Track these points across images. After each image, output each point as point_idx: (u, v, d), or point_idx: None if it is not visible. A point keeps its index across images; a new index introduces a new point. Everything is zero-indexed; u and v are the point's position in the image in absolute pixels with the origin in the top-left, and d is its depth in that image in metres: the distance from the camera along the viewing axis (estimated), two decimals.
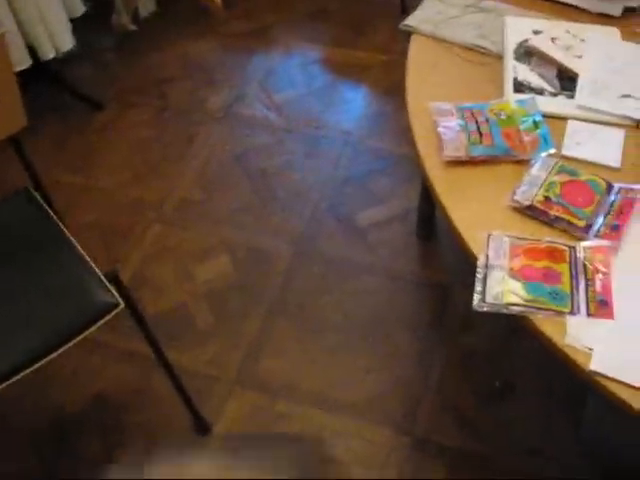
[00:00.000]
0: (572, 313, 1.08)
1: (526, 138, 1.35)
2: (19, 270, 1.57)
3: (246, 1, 3.19)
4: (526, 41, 1.57)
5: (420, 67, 1.57)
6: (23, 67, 2.39)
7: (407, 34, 1.68)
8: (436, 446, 1.77)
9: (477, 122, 1.37)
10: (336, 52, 2.92)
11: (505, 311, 1.09)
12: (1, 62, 1.49)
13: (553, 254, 1.16)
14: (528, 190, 1.25)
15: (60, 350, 1.42)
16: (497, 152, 1.33)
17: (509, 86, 1.48)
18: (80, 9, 2.58)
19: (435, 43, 1.63)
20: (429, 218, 2.19)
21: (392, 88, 2.68)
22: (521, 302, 1.10)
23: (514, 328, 1.86)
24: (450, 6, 1.72)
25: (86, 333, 1.44)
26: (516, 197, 1.24)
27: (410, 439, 1.78)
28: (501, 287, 1.12)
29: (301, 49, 2.95)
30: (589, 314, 1.09)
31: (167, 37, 3.01)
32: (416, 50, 1.62)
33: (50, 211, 1.69)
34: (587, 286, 1.12)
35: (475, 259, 1.17)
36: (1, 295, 1.51)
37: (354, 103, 2.71)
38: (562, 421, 1.77)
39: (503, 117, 1.39)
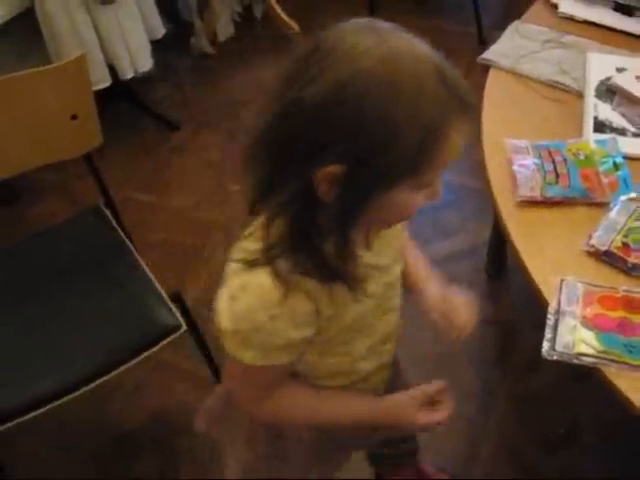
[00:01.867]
0: None
1: (605, 180, 1.30)
2: (84, 286, 1.59)
3: (324, 26, 3.21)
4: (609, 79, 1.52)
5: (497, 102, 1.54)
6: (103, 85, 2.45)
7: (484, 67, 1.65)
8: None
9: (554, 161, 1.32)
10: None
11: (576, 361, 1.05)
12: (81, 82, 1.53)
13: (630, 304, 1.10)
14: (605, 235, 1.20)
15: (120, 368, 1.43)
16: (574, 194, 1.28)
17: (589, 125, 1.43)
18: (161, 31, 2.63)
19: (513, 78, 1.59)
20: (499, 254, 2.13)
21: None
22: (593, 353, 1.05)
23: (582, 373, 1.79)
24: (530, 40, 1.68)
25: (146, 354, 1.45)
26: (592, 242, 1.19)
27: None
28: (572, 336, 1.07)
29: None
30: None
31: (244, 61, 3.04)
32: (493, 84, 1.59)
33: (119, 228, 1.71)
34: None
35: (546, 304, 1.12)
36: (65, 311, 1.54)
37: None
38: (632, 473, 1.68)
39: (582, 157, 1.33)
